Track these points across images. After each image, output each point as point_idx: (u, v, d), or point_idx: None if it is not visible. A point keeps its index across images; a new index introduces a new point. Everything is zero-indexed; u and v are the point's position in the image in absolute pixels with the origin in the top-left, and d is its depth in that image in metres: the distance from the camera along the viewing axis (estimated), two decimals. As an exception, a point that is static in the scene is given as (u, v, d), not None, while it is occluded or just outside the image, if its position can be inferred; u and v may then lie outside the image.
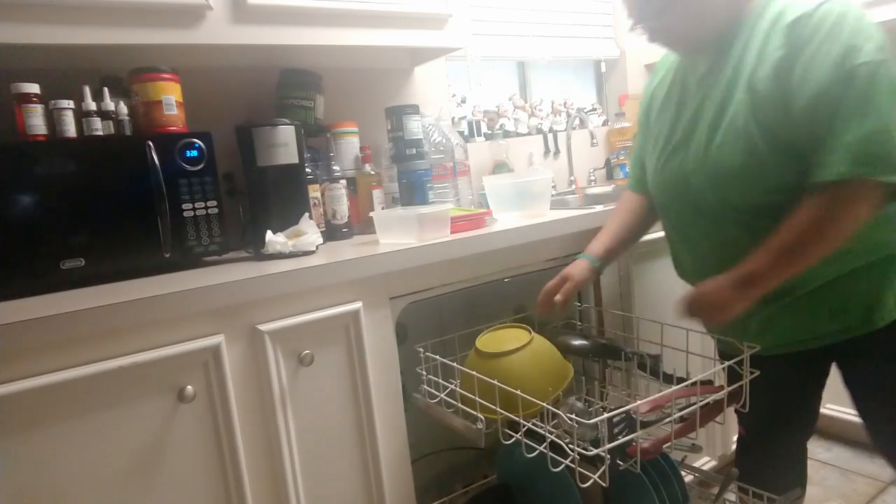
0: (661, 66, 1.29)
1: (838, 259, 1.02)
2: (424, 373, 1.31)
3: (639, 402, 1.06)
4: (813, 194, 0.96)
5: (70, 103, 1.22)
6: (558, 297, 1.25)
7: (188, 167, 1.29)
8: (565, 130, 2.40)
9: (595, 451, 0.98)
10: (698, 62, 1.14)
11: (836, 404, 2.00)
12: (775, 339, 1.15)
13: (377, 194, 1.73)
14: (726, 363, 1.15)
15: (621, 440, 1.02)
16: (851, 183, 0.92)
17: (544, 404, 1.07)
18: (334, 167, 1.65)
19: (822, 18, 0.95)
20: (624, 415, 1.07)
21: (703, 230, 1.15)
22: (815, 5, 0.96)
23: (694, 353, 1.29)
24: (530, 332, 1.26)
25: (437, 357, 1.30)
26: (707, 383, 1.15)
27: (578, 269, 1.28)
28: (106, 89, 1.28)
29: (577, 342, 1.36)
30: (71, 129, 1.22)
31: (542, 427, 1.06)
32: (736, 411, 1.21)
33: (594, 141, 2.26)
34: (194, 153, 1.30)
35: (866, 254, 1.04)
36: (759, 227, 1.03)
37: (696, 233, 1.17)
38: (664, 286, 1.72)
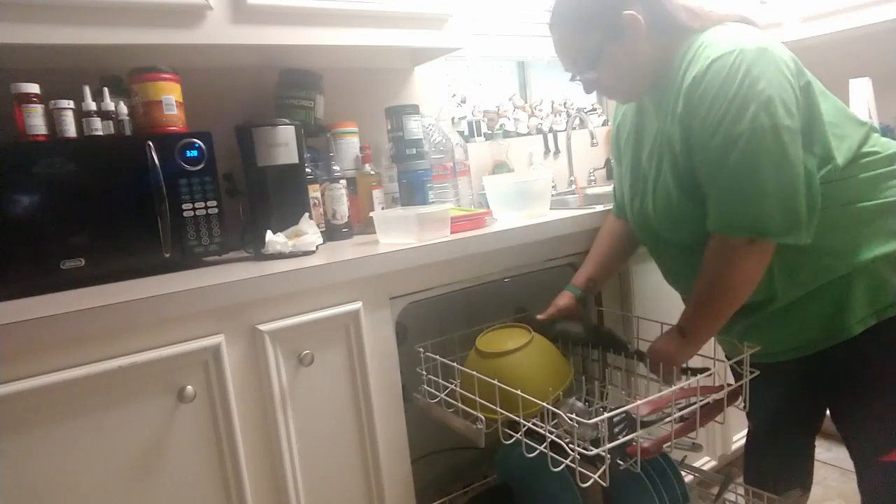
0: (623, 106, 1.33)
1: (793, 284, 1.07)
2: (424, 373, 1.31)
3: (639, 401, 1.06)
4: (710, 244, 1.04)
5: (70, 103, 1.22)
6: (539, 315, 1.36)
7: (188, 167, 1.29)
8: (565, 130, 2.40)
9: (595, 451, 0.98)
10: (646, 105, 1.19)
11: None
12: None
13: (377, 194, 1.73)
14: (727, 363, 1.15)
15: (621, 440, 1.02)
16: (728, 239, 1.01)
17: (544, 404, 1.07)
18: (334, 167, 1.65)
19: (711, 79, 0.97)
20: (624, 415, 1.07)
21: (672, 255, 1.24)
22: (707, 63, 0.98)
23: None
24: (530, 332, 1.26)
25: (437, 357, 1.30)
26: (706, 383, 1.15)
27: (563, 298, 1.38)
28: (106, 89, 1.28)
29: (576, 330, 1.37)
30: (71, 129, 1.22)
31: (542, 427, 1.06)
32: (747, 414, 1.26)
33: (594, 141, 2.26)
34: (194, 153, 1.30)
35: (816, 278, 1.06)
36: None
37: (667, 257, 1.27)
38: (664, 286, 1.71)
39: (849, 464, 1.17)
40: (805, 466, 1.35)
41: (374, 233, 1.45)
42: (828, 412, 1.25)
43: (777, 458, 1.34)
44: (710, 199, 1.02)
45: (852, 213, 1.04)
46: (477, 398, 1.17)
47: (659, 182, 1.13)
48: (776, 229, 0.97)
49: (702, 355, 1.29)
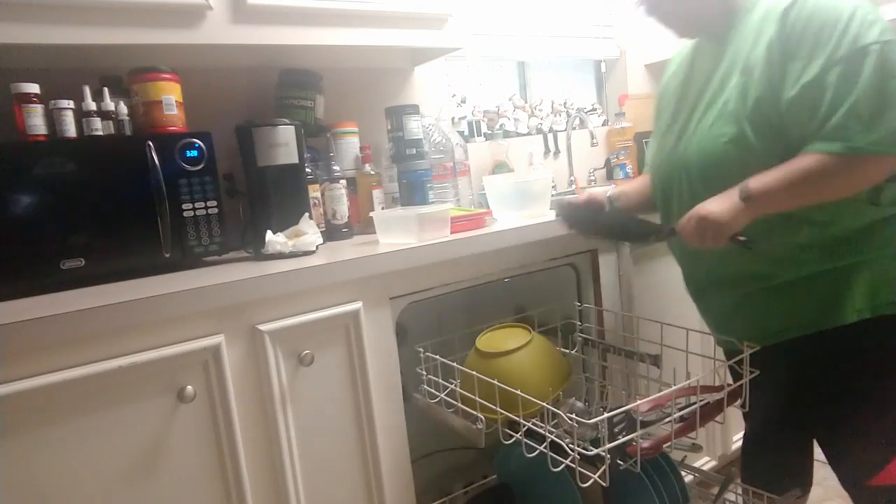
0: (674, 58, 1.33)
1: (797, 261, 1.06)
2: (424, 373, 1.31)
3: (639, 401, 1.06)
4: (815, 156, 0.98)
5: (70, 103, 1.22)
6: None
7: (188, 167, 1.29)
8: (565, 130, 2.40)
9: (595, 451, 0.98)
10: (704, 49, 1.18)
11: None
12: (736, 331, 1.18)
13: (377, 194, 1.73)
14: (726, 363, 1.15)
15: (621, 440, 1.02)
16: (860, 157, 0.95)
17: (544, 404, 1.07)
18: (334, 167, 1.66)
19: (815, 5, 0.97)
20: (624, 414, 1.07)
21: (685, 207, 1.16)
22: None
23: (694, 353, 1.29)
24: (530, 332, 1.26)
25: (437, 357, 1.30)
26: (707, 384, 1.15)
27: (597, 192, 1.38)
28: (106, 89, 1.28)
29: (606, 220, 1.30)
30: (71, 129, 1.22)
31: (542, 427, 1.07)
32: (744, 415, 1.25)
33: (594, 141, 2.26)
34: (194, 153, 1.30)
35: (821, 261, 1.06)
36: None
37: (679, 208, 1.18)
38: (664, 286, 1.72)
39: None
40: (803, 466, 1.34)
41: (374, 233, 1.45)
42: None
43: (773, 457, 1.33)
44: (822, 118, 0.97)
45: (882, 211, 1.04)
46: (477, 398, 1.17)
47: (711, 118, 1.10)
48: None
49: (702, 355, 1.29)
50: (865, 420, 1.08)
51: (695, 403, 1.08)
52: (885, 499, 1.08)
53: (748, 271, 1.09)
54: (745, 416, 1.31)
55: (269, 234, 1.32)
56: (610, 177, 2.53)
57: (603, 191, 1.38)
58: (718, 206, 1.03)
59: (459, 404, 1.23)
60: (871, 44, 0.93)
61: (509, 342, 1.22)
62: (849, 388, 1.09)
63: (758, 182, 1.01)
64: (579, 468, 1.00)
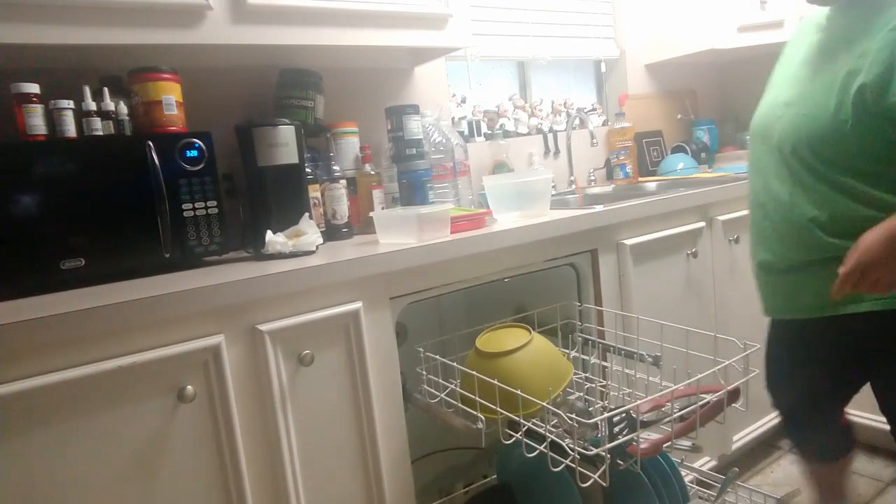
0: (800, 28, 1.33)
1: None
2: (424, 373, 1.31)
3: (639, 401, 1.06)
4: None
5: (70, 103, 1.22)
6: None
7: (188, 167, 1.29)
8: (565, 130, 2.40)
9: (595, 451, 0.98)
10: (836, 20, 1.20)
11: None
12: (805, 299, 1.21)
13: (377, 194, 1.73)
14: (726, 363, 1.15)
15: (621, 440, 1.02)
16: None
17: (544, 404, 1.07)
18: (334, 167, 1.66)
19: None
20: (624, 414, 1.07)
21: (767, 181, 1.24)
22: None
23: (694, 353, 1.29)
24: (530, 332, 1.26)
25: (437, 357, 1.30)
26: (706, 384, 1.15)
27: None
28: (106, 89, 1.28)
29: None
30: (71, 129, 1.22)
31: (542, 427, 1.07)
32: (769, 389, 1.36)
33: (594, 141, 2.26)
34: (194, 153, 1.30)
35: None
36: (830, 197, 1.12)
37: (762, 179, 1.25)
38: (664, 286, 1.72)
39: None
40: (847, 431, 1.39)
41: (374, 233, 1.45)
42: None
43: (819, 426, 1.37)
44: None
45: None
46: (477, 398, 1.17)
47: (815, 86, 1.14)
48: None
49: (702, 355, 1.29)
50: None
51: (695, 403, 1.08)
52: None
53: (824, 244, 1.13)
54: (776, 392, 1.38)
55: (269, 234, 1.32)
56: (610, 177, 2.53)
57: None
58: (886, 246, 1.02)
59: (459, 404, 1.23)
60: None
61: (509, 342, 1.22)
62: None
63: None
64: (579, 468, 1.00)
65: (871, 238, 1.03)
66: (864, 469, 1.95)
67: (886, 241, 1.01)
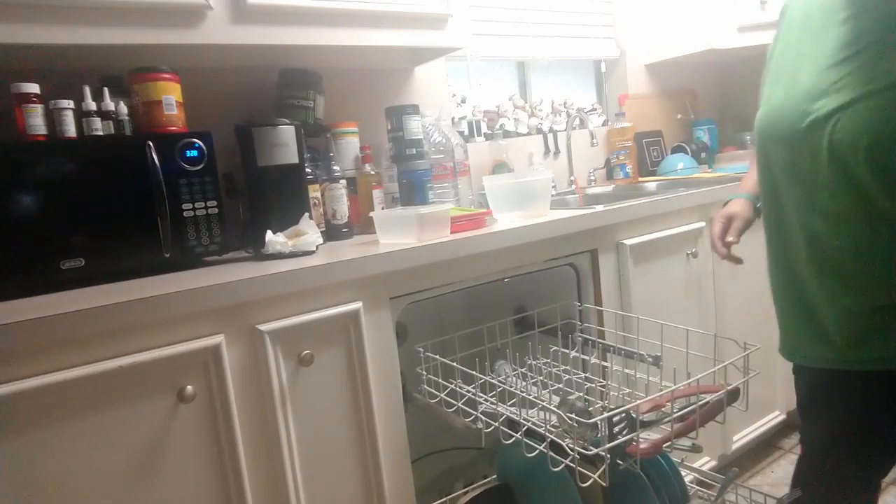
0: (788, 7, 1.11)
1: None
2: (424, 373, 1.31)
3: (638, 401, 1.06)
4: None
5: (70, 103, 1.22)
6: (730, 238, 1.17)
7: (188, 167, 1.29)
8: (565, 130, 2.40)
9: (595, 451, 0.98)
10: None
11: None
12: (868, 352, 0.99)
13: (377, 194, 1.74)
14: (726, 363, 1.15)
15: (621, 440, 1.02)
16: None
17: (544, 403, 1.07)
18: (334, 167, 1.66)
19: None
20: (624, 414, 1.07)
21: (768, 176, 1.02)
22: None
23: (694, 353, 1.29)
24: None
25: (437, 357, 1.30)
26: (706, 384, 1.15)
27: (740, 206, 1.20)
28: (106, 89, 1.28)
29: None
30: (71, 129, 1.22)
31: (541, 426, 1.07)
32: (800, 430, 1.13)
33: (594, 141, 2.26)
34: (194, 153, 1.30)
35: None
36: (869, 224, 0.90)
37: (790, 204, 1.01)
38: (664, 286, 1.72)
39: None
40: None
41: (374, 233, 1.45)
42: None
43: (835, 490, 1.10)
44: None
45: None
46: (477, 398, 1.16)
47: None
48: None
49: (702, 355, 1.29)
50: None
51: (695, 403, 1.08)
52: None
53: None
54: (803, 435, 1.15)
55: (269, 234, 1.32)
56: (610, 177, 2.53)
57: (744, 205, 1.18)
58: None
59: (460, 404, 1.23)
60: None
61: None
62: None
63: None
64: (579, 468, 1.00)
65: None
66: (864, 469, 1.95)
67: None
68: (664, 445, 1.09)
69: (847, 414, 1.05)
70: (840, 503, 1.10)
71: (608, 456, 0.99)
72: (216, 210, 1.33)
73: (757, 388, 1.32)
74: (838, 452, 1.09)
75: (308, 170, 1.55)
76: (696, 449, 1.31)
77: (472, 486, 1.53)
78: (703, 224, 1.81)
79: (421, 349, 1.32)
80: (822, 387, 1.08)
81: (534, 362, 1.49)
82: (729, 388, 1.12)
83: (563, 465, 1.05)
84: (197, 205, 1.30)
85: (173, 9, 1.31)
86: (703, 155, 2.64)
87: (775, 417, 2.08)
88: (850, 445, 1.07)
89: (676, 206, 1.73)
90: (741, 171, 2.21)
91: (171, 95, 1.34)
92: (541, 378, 1.41)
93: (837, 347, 1.01)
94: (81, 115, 1.24)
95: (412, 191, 1.66)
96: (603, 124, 2.65)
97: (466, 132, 2.23)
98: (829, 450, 1.10)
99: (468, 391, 1.22)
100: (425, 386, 1.31)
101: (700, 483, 1.46)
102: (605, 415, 1.00)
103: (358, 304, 1.21)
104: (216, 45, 1.41)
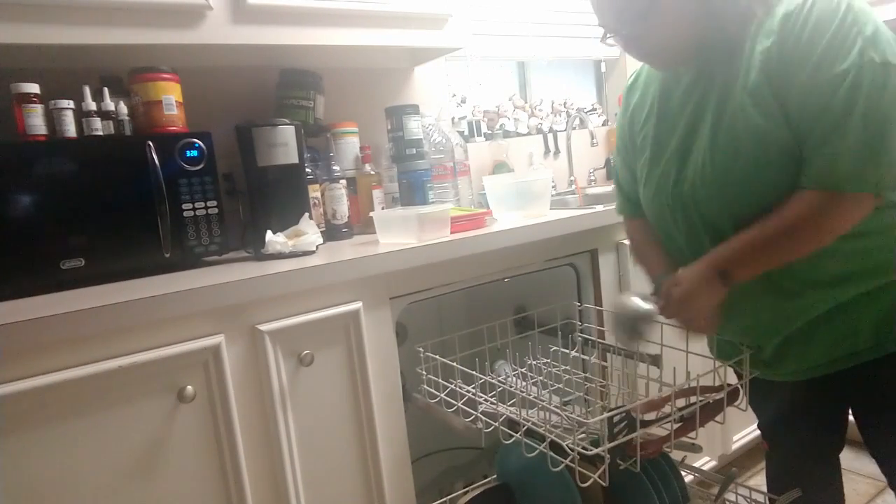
0: (637, 82, 1.23)
1: (848, 282, 0.98)
2: (424, 373, 1.31)
3: (638, 401, 1.06)
4: (802, 195, 0.92)
5: (70, 103, 1.22)
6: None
7: (188, 167, 1.29)
8: (565, 130, 2.40)
9: (595, 451, 0.98)
10: (680, 73, 1.07)
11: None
12: (790, 365, 1.10)
13: (377, 194, 1.74)
14: (726, 363, 1.15)
15: (621, 440, 1.02)
16: (831, 194, 0.90)
17: (544, 403, 1.07)
18: (334, 167, 1.66)
19: (809, 12, 0.88)
20: (624, 414, 1.07)
21: (699, 242, 1.08)
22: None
23: (694, 353, 1.29)
24: None
25: (437, 357, 1.30)
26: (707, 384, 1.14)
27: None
28: (106, 89, 1.28)
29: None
30: (71, 129, 1.22)
31: (541, 426, 1.06)
32: (760, 427, 1.27)
33: (594, 141, 2.26)
34: (194, 153, 1.30)
35: (875, 277, 0.99)
36: None
37: (691, 244, 1.09)
38: (664, 286, 1.72)
39: (849, 464, 1.17)
40: (832, 485, 1.28)
41: (374, 233, 1.45)
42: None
43: (799, 478, 1.25)
44: (808, 149, 0.90)
45: None
46: (478, 398, 1.16)
47: (721, 140, 0.98)
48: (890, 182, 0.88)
49: (702, 355, 1.29)
50: None
51: (695, 403, 1.08)
52: None
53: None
54: (763, 431, 1.31)
55: (269, 234, 1.32)
56: (610, 177, 2.53)
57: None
58: (698, 288, 0.99)
59: (460, 404, 1.23)
60: (844, 69, 0.85)
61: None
62: None
63: (731, 262, 0.97)
64: (579, 468, 1.00)
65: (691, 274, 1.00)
66: (864, 469, 1.95)
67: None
68: (664, 445, 1.09)
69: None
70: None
71: (608, 456, 0.99)
72: (216, 210, 1.33)
73: (757, 388, 1.32)
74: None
75: (308, 170, 1.55)
76: (696, 449, 1.31)
77: (472, 486, 1.53)
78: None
79: (421, 349, 1.32)
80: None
81: (534, 362, 1.48)
82: (729, 388, 1.12)
83: (563, 465, 1.05)
84: (197, 205, 1.30)
85: (173, 9, 1.31)
86: (703, 155, 2.63)
87: (775, 417, 2.08)
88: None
89: (676, 206, 1.73)
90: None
91: (171, 95, 1.34)
92: (541, 378, 1.40)
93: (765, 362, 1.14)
94: (81, 115, 1.24)
95: (412, 191, 1.66)
96: (603, 124, 2.65)
97: (466, 132, 2.23)
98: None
99: (468, 391, 1.22)
100: (425, 386, 1.31)
101: (700, 483, 1.46)
102: (606, 415, 1.00)
103: (358, 304, 1.21)
104: (216, 46, 1.41)
